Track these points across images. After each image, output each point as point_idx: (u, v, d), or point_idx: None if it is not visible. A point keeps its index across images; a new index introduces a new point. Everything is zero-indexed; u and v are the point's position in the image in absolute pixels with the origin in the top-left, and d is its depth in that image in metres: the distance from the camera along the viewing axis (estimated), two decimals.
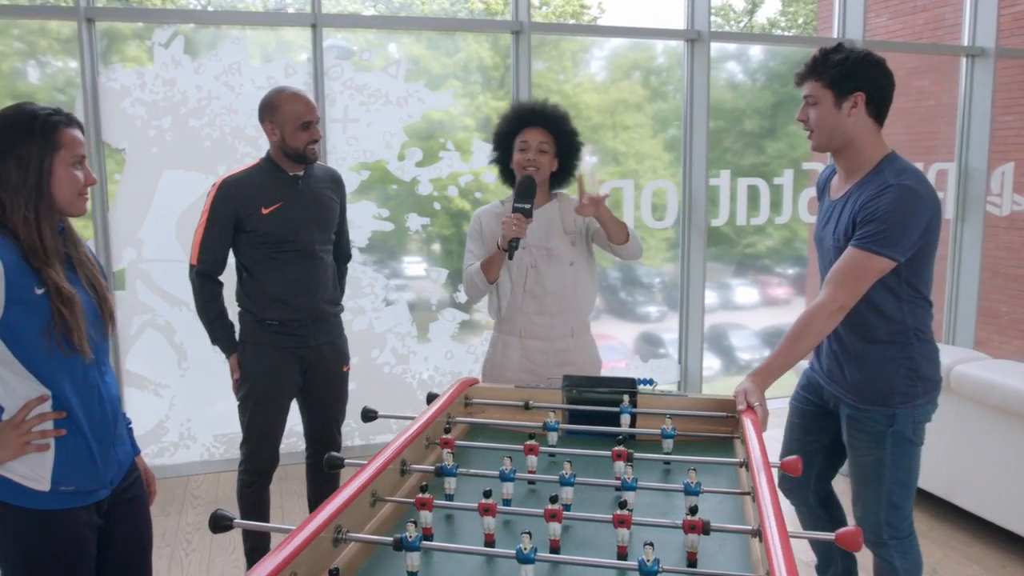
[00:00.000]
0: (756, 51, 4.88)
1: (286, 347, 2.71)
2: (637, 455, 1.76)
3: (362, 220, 4.17)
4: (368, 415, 2.00)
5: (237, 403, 2.78)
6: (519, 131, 2.55)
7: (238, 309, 2.75)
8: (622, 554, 1.37)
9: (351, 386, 4.14)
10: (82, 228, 3.74)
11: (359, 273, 4.19)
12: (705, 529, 1.33)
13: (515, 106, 2.62)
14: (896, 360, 2.07)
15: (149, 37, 3.75)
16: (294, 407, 2.86)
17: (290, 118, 2.60)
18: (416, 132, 4.22)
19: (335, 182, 2.86)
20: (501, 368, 2.59)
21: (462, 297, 4.37)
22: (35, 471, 1.58)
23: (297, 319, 2.70)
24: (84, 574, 1.65)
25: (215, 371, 3.43)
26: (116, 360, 3.83)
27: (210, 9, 4.38)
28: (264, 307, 2.67)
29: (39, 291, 1.53)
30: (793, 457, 1.63)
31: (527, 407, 2.08)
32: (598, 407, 2.05)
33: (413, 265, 4.48)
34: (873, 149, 2.05)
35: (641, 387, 2.08)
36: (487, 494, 1.43)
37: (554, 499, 1.40)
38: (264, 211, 2.62)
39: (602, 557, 1.37)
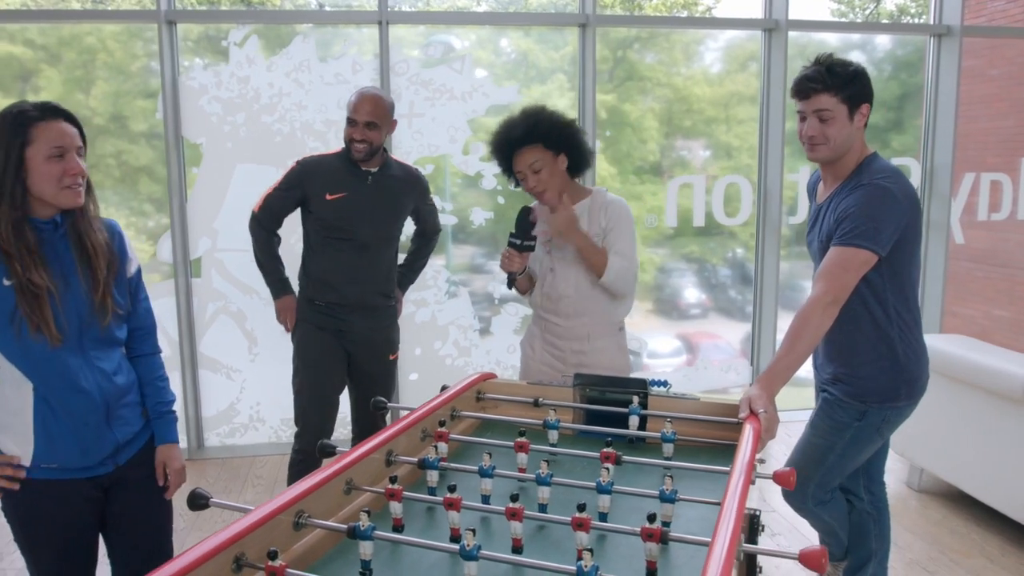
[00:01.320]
0: (884, 40, 4.62)
1: (330, 329, 2.85)
2: (640, 459, 1.71)
3: None
4: (378, 406, 2.04)
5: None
6: (510, 160, 2.43)
7: (298, 289, 2.95)
8: (581, 558, 1.33)
9: (413, 376, 4.28)
10: (139, 218, 3.99)
11: None
12: (663, 538, 1.28)
13: (493, 138, 2.45)
14: (881, 361, 2.11)
15: (225, 37, 3.95)
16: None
17: (348, 110, 2.76)
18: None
19: (412, 182, 2.94)
20: (527, 356, 2.62)
21: None
22: (20, 448, 1.68)
23: (342, 304, 2.82)
24: (78, 538, 1.75)
25: (284, 357, 3.58)
26: (191, 344, 4.06)
27: (331, 10, 4.55)
28: (315, 287, 2.84)
29: (7, 283, 1.59)
30: (786, 469, 1.54)
31: (536, 404, 2.06)
32: (608, 407, 2.01)
33: (477, 259, 4.51)
34: (860, 153, 2.10)
35: (655, 389, 2.02)
36: (451, 488, 1.43)
37: (515, 498, 1.38)
38: (328, 197, 2.76)
39: (567, 559, 1.33)
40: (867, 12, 8.49)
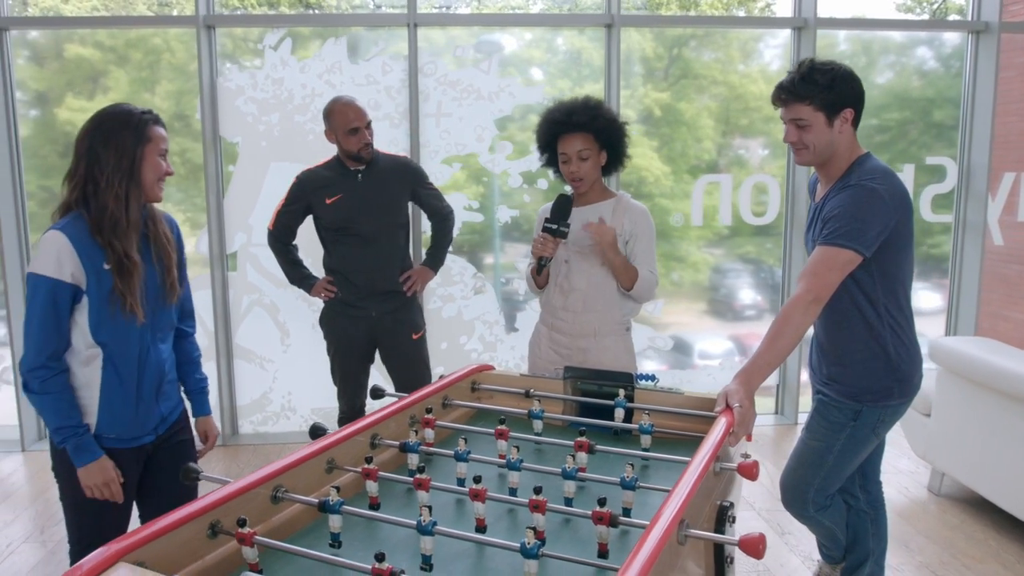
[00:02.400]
0: (952, 36, 4.52)
1: (350, 315, 3.10)
2: (612, 448, 1.77)
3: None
4: (376, 393, 2.14)
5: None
6: (556, 139, 2.53)
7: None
8: (540, 538, 1.40)
9: (439, 369, 4.38)
10: (199, 214, 4.17)
11: (449, 262, 4.36)
12: (612, 521, 1.34)
13: (548, 115, 2.55)
14: (873, 360, 2.12)
15: (260, 40, 4.11)
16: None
17: (340, 125, 2.94)
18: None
19: (402, 170, 3.14)
20: (534, 355, 2.67)
21: None
22: (84, 419, 1.88)
23: (358, 293, 3.07)
24: (121, 503, 1.94)
25: (314, 349, 3.73)
26: (227, 335, 4.24)
27: (379, 13, 4.70)
28: (333, 277, 3.11)
29: (107, 267, 1.83)
30: (750, 461, 1.57)
31: (527, 395, 2.13)
32: (597, 399, 2.07)
33: (501, 256, 4.59)
34: (850, 154, 2.11)
35: (642, 383, 2.07)
36: (420, 470, 1.52)
37: (478, 479, 1.45)
38: (327, 201, 3.01)
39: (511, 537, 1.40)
40: (935, 7, 8.29)
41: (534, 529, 1.25)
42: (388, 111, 4.20)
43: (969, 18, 4.43)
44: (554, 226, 2.46)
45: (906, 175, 4.49)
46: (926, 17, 4.52)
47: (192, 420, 2.20)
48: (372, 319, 3.08)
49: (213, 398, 4.26)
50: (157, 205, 2.00)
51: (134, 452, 1.95)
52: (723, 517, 1.66)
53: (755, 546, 1.25)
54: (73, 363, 1.87)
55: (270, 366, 4.35)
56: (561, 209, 2.48)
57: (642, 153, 4.45)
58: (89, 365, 1.87)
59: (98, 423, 1.89)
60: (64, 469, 1.91)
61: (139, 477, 2.00)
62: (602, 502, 1.36)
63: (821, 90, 2.01)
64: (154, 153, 1.89)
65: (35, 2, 4.44)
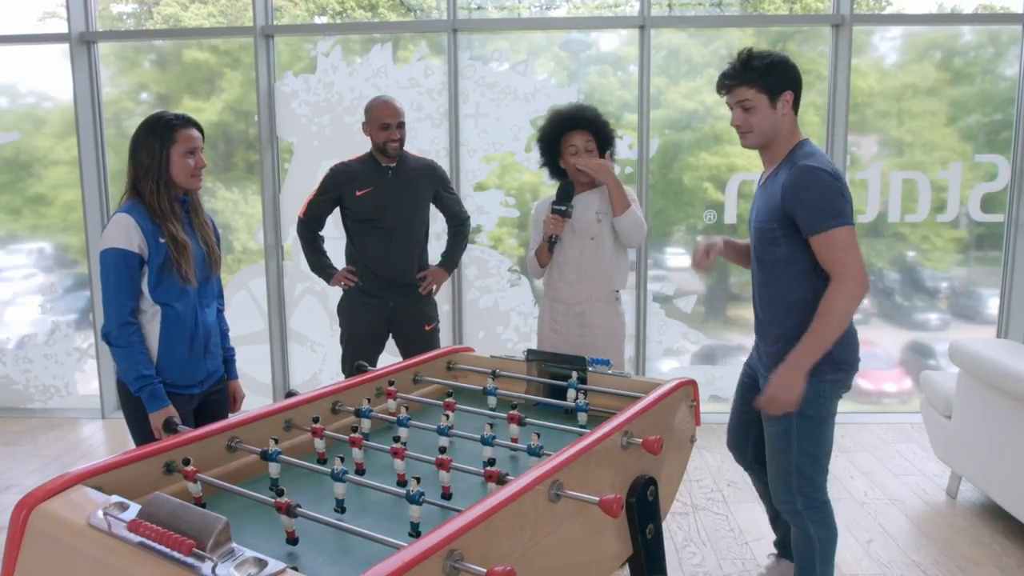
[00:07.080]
0: None
1: (369, 304, 3.32)
2: (539, 422, 1.93)
3: (491, 207, 4.56)
4: (360, 368, 2.38)
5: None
6: (562, 135, 2.89)
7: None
8: (445, 493, 1.60)
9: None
10: (254, 207, 4.54)
11: (486, 255, 4.59)
12: (500, 479, 1.52)
13: (556, 114, 2.93)
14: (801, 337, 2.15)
15: (314, 47, 4.45)
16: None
17: (375, 119, 3.21)
18: (672, 122, 4.49)
19: (429, 171, 3.37)
20: (540, 326, 3.01)
21: None
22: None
23: (377, 282, 3.29)
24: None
25: None
26: (281, 320, 4.61)
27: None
28: (355, 267, 3.34)
29: (162, 240, 2.20)
30: (653, 437, 1.70)
31: (494, 375, 2.32)
32: (553, 380, 2.24)
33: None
34: (791, 137, 2.21)
35: (597, 366, 2.22)
36: (354, 428, 1.74)
37: (397, 439, 1.66)
38: (357, 193, 3.25)
39: (434, 492, 1.60)
40: None
41: (418, 479, 1.45)
42: (429, 112, 4.45)
43: (1023, 11, 4.27)
44: (562, 207, 2.84)
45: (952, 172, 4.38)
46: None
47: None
48: (389, 308, 3.29)
49: (267, 376, 4.69)
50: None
51: (185, 400, 2.30)
52: (643, 490, 1.80)
53: (609, 505, 1.40)
54: (139, 319, 2.23)
55: (320, 349, 4.70)
56: (565, 193, 2.88)
57: (740, 151, 4.49)
58: (152, 321, 2.22)
59: (157, 369, 2.24)
60: (135, 416, 2.26)
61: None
62: (491, 462, 1.54)
63: (761, 74, 2.13)
64: (180, 152, 2.23)
65: (159, 11, 4.91)
